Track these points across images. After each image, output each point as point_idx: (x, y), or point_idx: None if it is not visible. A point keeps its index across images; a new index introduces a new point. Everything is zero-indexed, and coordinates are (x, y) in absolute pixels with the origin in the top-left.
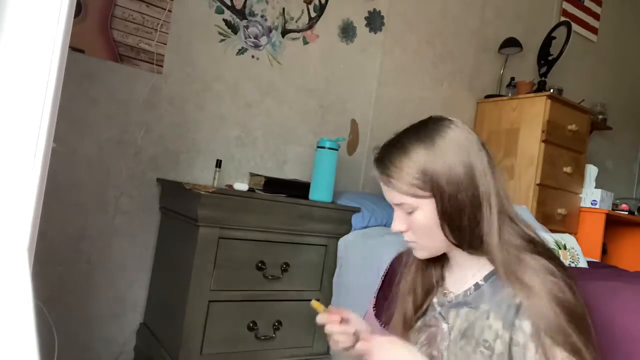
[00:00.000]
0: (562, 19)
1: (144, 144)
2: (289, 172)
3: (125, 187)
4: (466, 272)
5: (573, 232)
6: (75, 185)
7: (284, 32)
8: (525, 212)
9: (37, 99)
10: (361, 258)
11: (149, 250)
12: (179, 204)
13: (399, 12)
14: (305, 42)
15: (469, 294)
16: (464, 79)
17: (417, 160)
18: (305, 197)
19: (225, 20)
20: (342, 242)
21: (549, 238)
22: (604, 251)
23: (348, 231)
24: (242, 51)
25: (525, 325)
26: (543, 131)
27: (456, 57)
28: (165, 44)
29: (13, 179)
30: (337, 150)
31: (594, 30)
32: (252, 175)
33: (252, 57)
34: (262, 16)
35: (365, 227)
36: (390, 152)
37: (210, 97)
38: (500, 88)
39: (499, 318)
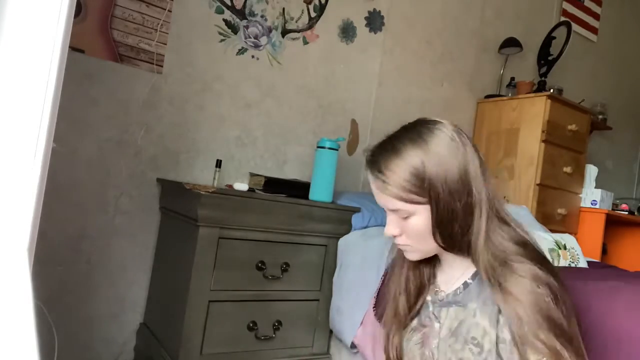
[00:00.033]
0: (562, 19)
1: (144, 144)
2: (289, 172)
3: (125, 187)
4: (455, 272)
5: (573, 232)
6: (75, 185)
7: (284, 32)
8: (525, 212)
9: (37, 99)
10: (361, 258)
11: (149, 250)
12: (179, 204)
13: (399, 12)
14: (305, 42)
15: (458, 292)
16: (464, 79)
17: (411, 163)
18: (305, 197)
19: (225, 20)
20: (342, 242)
21: (549, 238)
22: (604, 251)
23: (348, 231)
24: (242, 51)
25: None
26: (543, 131)
27: (456, 57)
28: (165, 44)
29: (13, 179)
30: (337, 150)
31: (594, 30)
32: (252, 175)
33: (252, 57)
34: (262, 16)
35: (365, 227)
36: (383, 155)
37: (210, 97)
38: (500, 88)
39: (485, 316)
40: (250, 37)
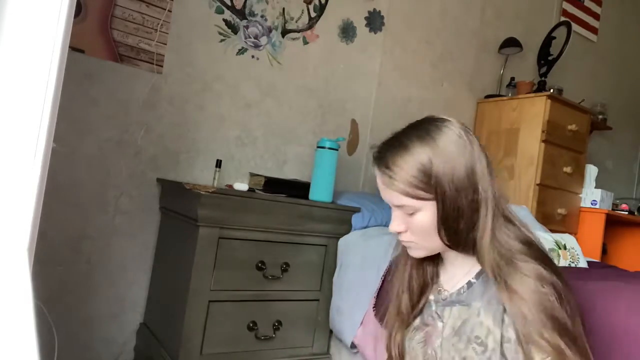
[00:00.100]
0: (562, 19)
1: (144, 144)
2: (289, 172)
3: (125, 187)
4: (459, 271)
5: (573, 232)
6: (75, 185)
7: (284, 32)
8: (525, 212)
9: (37, 99)
10: (361, 258)
11: (149, 250)
12: (179, 204)
13: (399, 12)
14: (305, 42)
15: (462, 292)
16: (464, 79)
17: (419, 160)
18: (305, 197)
19: (225, 20)
20: (342, 242)
21: (549, 238)
22: (604, 251)
23: (348, 231)
24: (242, 51)
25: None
26: (543, 131)
27: (456, 57)
28: (165, 44)
29: (13, 179)
30: (337, 150)
31: (594, 30)
32: (252, 175)
33: (252, 57)
34: (262, 16)
35: (365, 227)
36: (390, 152)
37: (210, 97)
38: (500, 88)
39: (489, 315)
40: (250, 37)
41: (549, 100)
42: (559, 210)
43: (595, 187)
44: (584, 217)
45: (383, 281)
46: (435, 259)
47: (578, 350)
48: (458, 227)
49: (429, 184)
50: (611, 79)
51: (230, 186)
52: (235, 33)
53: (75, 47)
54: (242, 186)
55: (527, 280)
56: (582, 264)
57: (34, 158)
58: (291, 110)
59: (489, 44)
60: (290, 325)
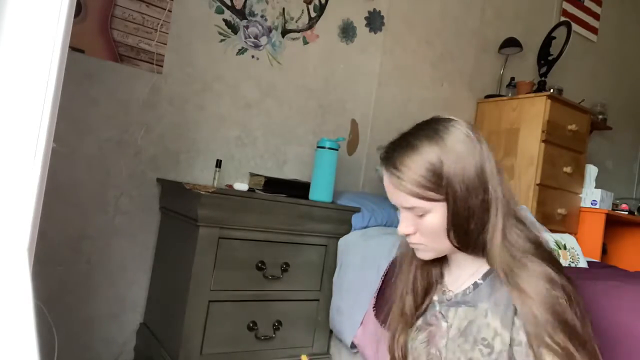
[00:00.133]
0: (562, 19)
1: (144, 144)
2: (289, 172)
3: (125, 187)
4: (465, 272)
5: (573, 232)
6: (75, 185)
7: (284, 32)
8: (526, 213)
9: (37, 99)
10: (361, 258)
11: (149, 250)
12: (179, 204)
13: (399, 12)
14: (305, 42)
15: (467, 292)
16: (464, 79)
17: (428, 160)
18: (305, 197)
19: (225, 20)
20: (342, 242)
21: (549, 238)
22: (604, 251)
23: (348, 231)
24: (242, 51)
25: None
26: (543, 131)
27: (456, 57)
28: (165, 44)
29: (13, 179)
30: (337, 150)
31: (594, 30)
32: (252, 175)
33: (252, 57)
34: (262, 16)
35: (365, 227)
36: (398, 152)
37: (210, 97)
38: (500, 88)
39: (497, 317)
40: (250, 37)
41: (549, 100)
42: (559, 210)
43: (595, 187)
44: (584, 217)
45: (383, 281)
46: (440, 260)
47: (587, 354)
48: (468, 228)
49: (439, 185)
50: (611, 79)
51: (230, 186)
52: (235, 33)
53: (75, 47)
54: (242, 186)
55: (538, 282)
56: (582, 264)
57: (34, 158)
58: (291, 110)
59: (489, 44)
60: (290, 325)
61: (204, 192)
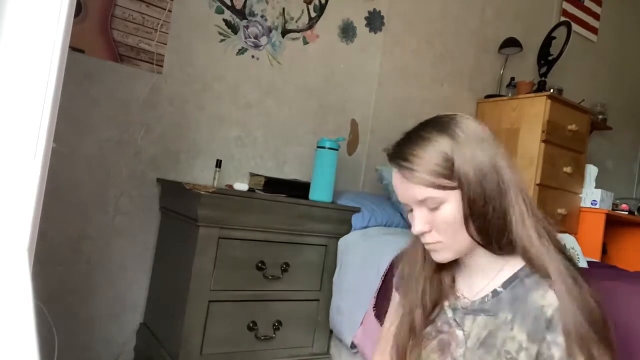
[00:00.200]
0: (562, 19)
1: (144, 144)
2: (289, 172)
3: (125, 187)
4: (482, 277)
5: (573, 232)
6: (75, 185)
7: (284, 32)
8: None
9: (37, 99)
10: (361, 258)
11: (149, 250)
12: (179, 204)
13: (399, 12)
14: (305, 42)
15: (486, 300)
16: (464, 79)
17: (440, 148)
18: (305, 197)
19: (225, 20)
20: (342, 242)
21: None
22: (604, 251)
23: (348, 231)
24: (242, 51)
25: (560, 340)
26: (543, 131)
27: (456, 57)
28: (165, 44)
29: (13, 179)
30: (337, 150)
31: (594, 30)
32: (252, 175)
33: (252, 57)
34: (262, 16)
35: (365, 227)
36: (407, 146)
37: (210, 97)
38: (500, 88)
39: (523, 330)
40: (250, 37)
41: (549, 100)
42: (559, 210)
43: (595, 187)
44: (584, 217)
45: (383, 281)
46: (451, 268)
47: (610, 350)
48: (487, 214)
49: (452, 170)
50: (611, 79)
51: (230, 186)
52: (235, 33)
53: (75, 47)
54: (242, 186)
55: (574, 289)
56: (582, 264)
57: (34, 158)
58: (291, 110)
59: (489, 44)
60: (290, 325)
61: (204, 192)
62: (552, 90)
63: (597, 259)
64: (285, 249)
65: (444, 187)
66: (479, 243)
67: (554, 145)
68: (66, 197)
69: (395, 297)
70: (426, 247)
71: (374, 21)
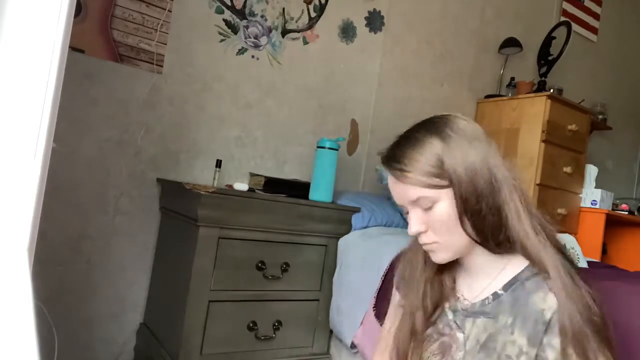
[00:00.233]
0: (562, 19)
1: (144, 144)
2: (289, 172)
3: (125, 187)
4: (483, 278)
5: (573, 232)
6: (75, 185)
7: (284, 32)
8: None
9: (37, 99)
10: (361, 258)
11: (149, 250)
12: (179, 204)
13: (399, 12)
14: (305, 42)
15: (487, 303)
16: (464, 79)
17: (432, 150)
18: (305, 197)
19: (225, 20)
20: (342, 242)
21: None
22: (604, 251)
23: (348, 231)
24: (242, 51)
25: (555, 342)
26: (543, 131)
27: (456, 57)
28: (165, 44)
29: (13, 179)
30: (337, 150)
31: (594, 30)
32: (252, 175)
33: (252, 57)
34: (262, 16)
35: (365, 227)
36: (399, 148)
37: (210, 97)
38: (500, 88)
39: (524, 334)
40: (250, 37)
41: (549, 100)
42: (559, 210)
43: (595, 187)
44: (584, 217)
45: (383, 281)
46: (452, 268)
47: (610, 350)
48: (481, 212)
49: (443, 169)
50: (611, 79)
51: (230, 186)
52: (235, 33)
53: (75, 47)
54: (242, 186)
55: (572, 287)
56: (582, 264)
57: (34, 158)
58: (291, 110)
59: (489, 44)
60: (290, 325)
61: (204, 192)
62: (552, 90)
63: (597, 259)
64: (285, 249)
65: (436, 186)
66: (476, 241)
67: (554, 145)
68: (66, 197)
69: (396, 296)
70: (424, 247)
71: (374, 21)
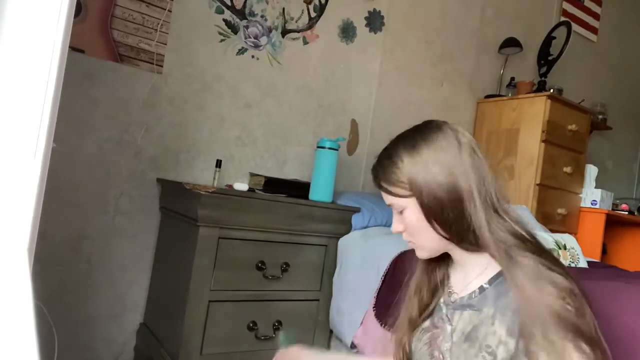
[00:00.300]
0: (562, 19)
1: (144, 144)
2: (289, 172)
3: (125, 187)
4: (469, 272)
5: (573, 232)
6: (75, 185)
7: (284, 32)
8: (525, 212)
9: (37, 99)
10: (361, 258)
11: (149, 250)
12: (179, 204)
13: (399, 12)
14: (305, 42)
15: (473, 296)
16: (464, 79)
17: (398, 162)
18: (305, 197)
19: (225, 20)
20: (342, 242)
21: (549, 238)
22: (604, 251)
23: (348, 231)
24: (242, 51)
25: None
26: (543, 131)
27: (456, 57)
28: (165, 44)
29: (13, 179)
30: (337, 150)
31: (594, 30)
32: (252, 175)
33: (252, 57)
34: (262, 16)
35: (365, 227)
36: (381, 155)
37: (210, 97)
38: (500, 88)
39: (503, 324)
40: (250, 37)
41: (549, 100)
42: (559, 210)
43: (595, 187)
44: (584, 217)
45: (383, 281)
46: (446, 262)
47: (598, 352)
48: (446, 217)
49: (403, 181)
50: (611, 79)
51: (230, 186)
52: (235, 33)
53: (75, 47)
54: (242, 186)
55: (528, 278)
56: (582, 264)
57: (34, 158)
58: (291, 110)
59: (489, 44)
60: (290, 325)
61: (204, 192)
62: (552, 90)
63: (597, 259)
64: (285, 249)
65: (400, 195)
66: (451, 241)
67: (554, 145)
68: (66, 197)
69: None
70: (408, 245)
71: (374, 21)
